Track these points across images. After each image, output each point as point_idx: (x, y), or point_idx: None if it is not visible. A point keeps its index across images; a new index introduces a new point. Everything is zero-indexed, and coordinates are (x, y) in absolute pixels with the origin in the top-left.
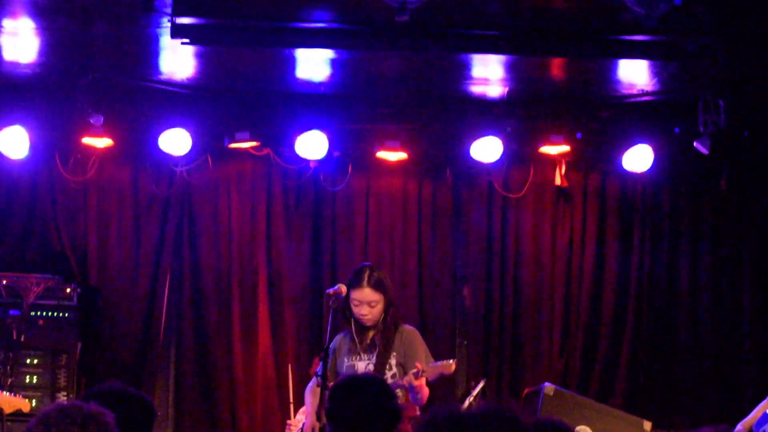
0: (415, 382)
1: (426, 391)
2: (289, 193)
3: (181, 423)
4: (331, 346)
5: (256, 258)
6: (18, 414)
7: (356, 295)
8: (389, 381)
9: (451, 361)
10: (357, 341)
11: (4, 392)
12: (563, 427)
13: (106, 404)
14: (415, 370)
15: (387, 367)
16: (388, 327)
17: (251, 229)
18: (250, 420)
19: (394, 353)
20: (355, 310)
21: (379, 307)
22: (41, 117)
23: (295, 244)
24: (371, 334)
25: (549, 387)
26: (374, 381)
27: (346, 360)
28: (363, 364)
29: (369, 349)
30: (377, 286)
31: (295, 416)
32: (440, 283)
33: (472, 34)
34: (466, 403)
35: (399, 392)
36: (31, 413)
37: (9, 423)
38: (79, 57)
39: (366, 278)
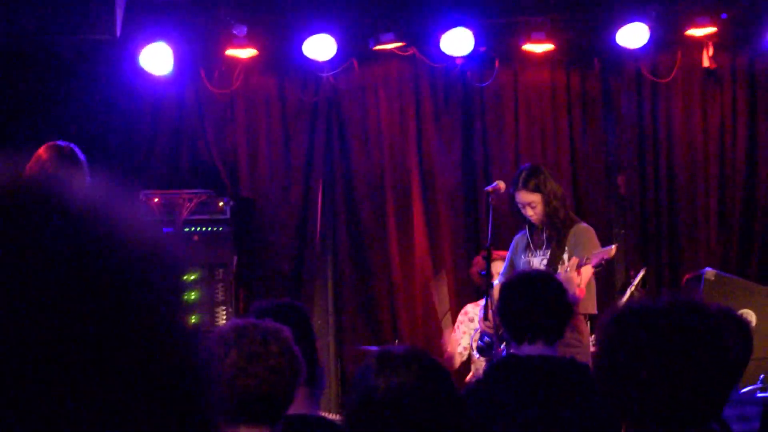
0: (563, 275)
1: (575, 285)
2: (437, 91)
3: (342, 329)
4: (509, 247)
5: (408, 159)
6: None
7: (516, 197)
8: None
9: (611, 246)
10: (530, 239)
11: None
12: (731, 313)
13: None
14: (565, 266)
15: (560, 262)
16: (555, 224)
17: (401, 130)
18: (411, 323)
19: (567, 249)
20: (521, 211)
21: (540, 207)
22: (184, 31)
23: (446, 142)
24: (542, 232)
25: (710, 272)
26: (543, 276)
27: (522, 257)
28: (537, 260)
29: (543, 246)
30: (532, 187)
31: (451, 329)
32: (594, 172)
33: None
34: (628, 292)
35: None
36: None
37: None
38: None
39: (521, 181)
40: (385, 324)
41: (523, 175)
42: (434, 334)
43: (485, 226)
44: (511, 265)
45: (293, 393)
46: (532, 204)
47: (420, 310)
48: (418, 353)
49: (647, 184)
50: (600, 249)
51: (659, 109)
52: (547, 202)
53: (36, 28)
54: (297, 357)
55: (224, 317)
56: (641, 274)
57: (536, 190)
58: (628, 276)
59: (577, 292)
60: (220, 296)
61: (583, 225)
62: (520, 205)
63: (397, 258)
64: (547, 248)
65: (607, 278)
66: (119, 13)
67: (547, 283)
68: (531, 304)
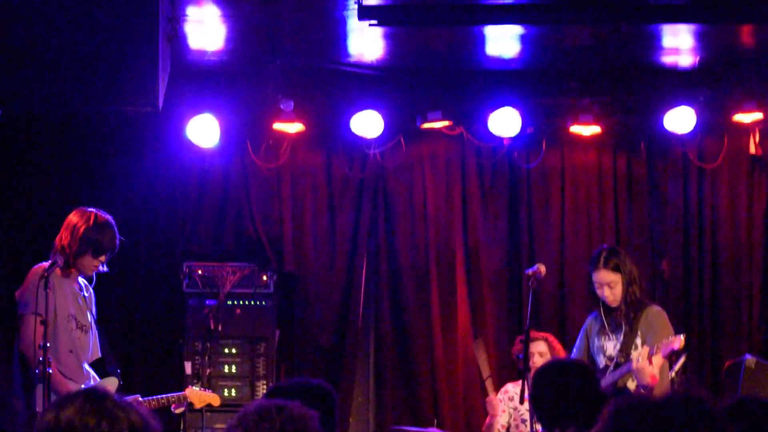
0: (635, 365)
1: (648, 375)
2: (484, 171)
3: (383, 407)
4: (581, 329)
5: (453, 238)
6: (220, 406)
7: (595, 277)
8: (629, 365)
9: (679, 336)
10: (605, 322)
11: (194, 387)
12: (763, 407)
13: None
14: (636, 355)
15: (633, 347)
16: (630, 306)
17: (447, 208)
18: (452, 401)
19: (639, 333)
20: (597, 291)
21: (619, 288)
22: (231, 104)
23: (492, 222)
24: (617, 314)
25: (750, 360)
26: (577, 365)
27: (596, 341)
28: (611, 344)
29: (616, 330)
30: (613, 266)
31: (495, 393)
32: (638, 256)
33: (661, 4)
34: (668, 378)
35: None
36: (229, 407)
37: (208, 414)
38: (266, 43)
39: (602, 260)
40: (425, 403)
41: (604, 254)
42: (475, 413)
43: (526, 308)
44: (586, 348)
45: None
46: (611, 284)
47: (461, 388)
48: None
49: (691, 269)
50: (670, 339)
51: (705, 194)
52: (626, 283)
53: (77, 99)
54: None
55: (264, 391)
56: (682, 359)
57: (617, 270)
58: (670, 361)
59: (650, 381)
60: (261, 370)
61: (656, 308)
62: (597, 285)
63: (440, 336)
64: (620, 332)
65: None
66: (162, 86)
67: (581, 372)
68: (563, 393)
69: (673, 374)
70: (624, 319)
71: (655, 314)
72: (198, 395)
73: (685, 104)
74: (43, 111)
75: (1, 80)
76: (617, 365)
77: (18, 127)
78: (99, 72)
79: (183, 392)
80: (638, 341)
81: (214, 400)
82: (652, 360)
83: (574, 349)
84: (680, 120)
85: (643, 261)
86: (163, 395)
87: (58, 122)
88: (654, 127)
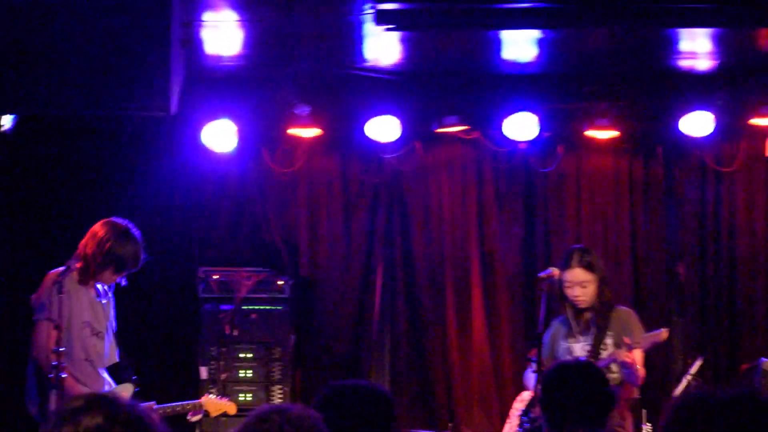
0: (624, 357)
1: (638, 367)
2: (500, 175)
3: (398, 413)
4: (546, 333)
5: (469, 242)
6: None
7: (567, 276)
8: (604, 358)
9: (662, 329)
10: (573, 324)
11: (211, 395)
12: None
13: (344, 401)
14: (625, 345)
15: (602, 347)
16: (602, 307)
17: (463, 213)
18: (468, 407)
19: (610, 333)
20: (568, 291)
21: (592, 287)
22: (247, 109)
23: (508, 227)
24: (586, 316)
25: (767, 363)
26: (584, 366)
27: (563, 343)
28: (579, 346)
29: (585, 331)
30: (587, 266)
31: (513, 404)
32: (654, 260)
33: (679, 8)
34: (684, 381)
35: (614, 368)
36: (245, 412)
37: (223, 419)
38: (282, 47)
39: (576, 259)
40: (441, 409)
41: (577, 253)
42: (491, 417)
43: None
44: (551, 353)
45: None
46: (584, 284)
47: (476, 393)
48: None
49: (707, 272)
50: (650, 333)
51: (721, 198)
52: (599, 284)
53: (88, 102)
54: None
55: (280, 396)
56: (698, 363)
57: (590, 269)
58: (686, 364)
59: (637, 376)
60: (277, 375)
61: (624, 308)
62: (568, 285)
63: (456, 342)
64: (589, 333)
65: (664, 366)
66: (175, 91)
67: (588, 373)
68: (572, 394)
69: (689, 378)
70: (596, 319)
71: (627, 314)
72: (214, 404)
73: (702, 108)
74: (55, 114)
75: (14, 84)
76: None
77: (33, 132)
78: (111, 76)
79: (199, 400)
80: (608, 341)
81: (231, 408)
82: (632, 354)
83: (541, 356)
84: (697, 124)
85: (659, 265)
86: (179, 402)
87: (73, 127)
88: (671, 131)
